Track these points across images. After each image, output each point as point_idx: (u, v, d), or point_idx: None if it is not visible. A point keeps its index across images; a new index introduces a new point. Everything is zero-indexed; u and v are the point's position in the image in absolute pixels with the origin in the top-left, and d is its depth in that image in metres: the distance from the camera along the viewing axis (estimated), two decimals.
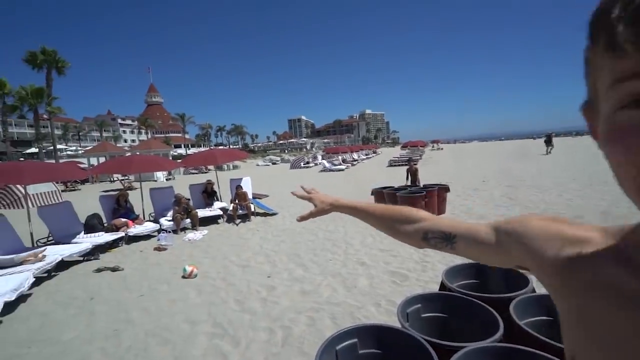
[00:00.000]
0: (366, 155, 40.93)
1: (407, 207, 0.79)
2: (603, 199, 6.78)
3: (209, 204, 8.19)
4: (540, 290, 2.06)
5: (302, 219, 0.95)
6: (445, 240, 0.66)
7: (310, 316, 3.11)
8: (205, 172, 27.81)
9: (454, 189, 8.31)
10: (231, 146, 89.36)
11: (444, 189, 6.54)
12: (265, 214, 7.99)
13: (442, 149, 49.63)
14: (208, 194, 8.39)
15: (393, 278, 3.78)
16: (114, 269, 4.76)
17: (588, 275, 0.36)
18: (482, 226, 0.59)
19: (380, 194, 6.77)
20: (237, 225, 7.16)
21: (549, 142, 23.11)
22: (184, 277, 4.26)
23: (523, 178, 10.99)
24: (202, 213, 7.47)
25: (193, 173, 29.49)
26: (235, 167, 34.03)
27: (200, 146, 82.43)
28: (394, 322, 1.81)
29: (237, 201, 7.68)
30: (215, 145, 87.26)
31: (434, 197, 6.01)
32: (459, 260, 3.08)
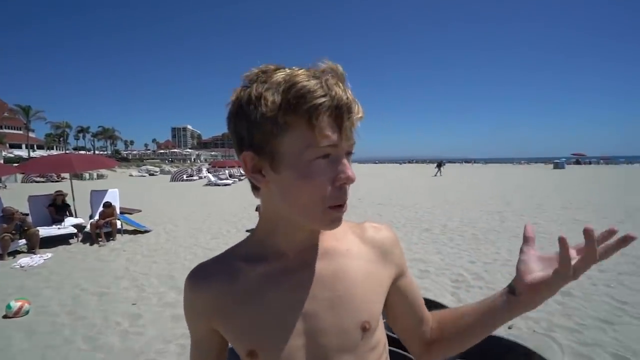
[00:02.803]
0: None
1: None
2: (444, 215, 8.46)
3: (57, 220, 6.69)
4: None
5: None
6: None
7: (181, 344, 2.84)
8: (58, 181, 22.87)
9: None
10: (97, 152, 75.89)
11: None
12: (135, 232, 7.00)
13: None
14: (57, 208, 6.87)
15: None
16: None
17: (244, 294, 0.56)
18: None
19: None
20: (98, 245, 6.05)
21: (439, 166, 29.72)
22: (6, 316, 3.31)
23: (391, 197, 12.77)
24: (46, 232, 6.05)
25: (38, 181, 23.82)
26: (100, 176, 29.02)
27: (53, 149, 67.10)
28: None
29: (100, 217, 6.51)
30: (74, 149, 72.62)
31: None
32: None
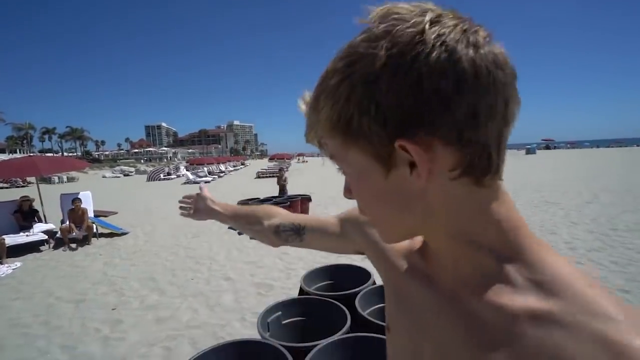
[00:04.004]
0: (234, 167, 40.05)
1: (264, 206, 0.83)
2: None
3: (25, 227, 6.34)
4: (381, 282, 2.44)
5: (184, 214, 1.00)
6: (295, 232, 0.71)
7: (166, 346, 2.78)
8: (24, 186, 21.70)
9: (315, 198, 9.00)
10: (65, 153, 72.34)
11: (306, 199, 7.00)
12: (112, 234, 6.75)
13: (306, 161, 53.12)
14: (24, 214, 6.50)
15: (259, 289, 3.77)
16: None
17: (402, 260, 0.48)
18: (330, 218, 0.68)
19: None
20: (71, 250, 5.78)
21: None
22: None
23: None
24: (12, 240, 5.73)
25: (1, 187, 22.48)
26: (71, 179, 27.69)
27: (16, 152, 63.34)
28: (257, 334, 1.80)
29: (71, 221, 6.21)
30: (40, 152, 68.86)
31: (297, 207, 6.36)
32: (319, 265, 3.33)
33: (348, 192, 0.41)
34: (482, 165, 0.33)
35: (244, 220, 0.84)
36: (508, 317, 0.31)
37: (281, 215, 0.77)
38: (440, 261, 0.40)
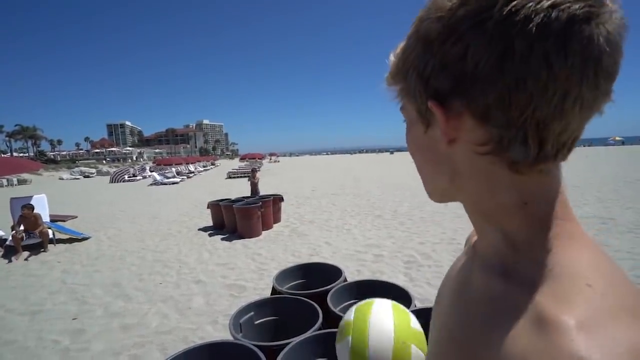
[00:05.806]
0: (204, 167, 39.01)
1: None
2: (394, 200, 8.88)
3: None
4: (352, 279, 2.50)
5: None
6: None
7: (133, 354, 2.68)
8: None
9: (288, 198, 8.99)
10: (15, 154, 66.91)
11: (278, 199, 6.96)
12: (71, 240, 6.35)
13: (278, 161, 52.76)
14: None
15: (231, 291, 3.72)
16: None
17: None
18: None
19: (217, 207, 6.58)
20: (25, 260, 5.38)
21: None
22: None
23: (344, 186, 13.06)
24: None
25: None
26: (22, 181, 25.73)
27: None
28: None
29: (22, 227, 5.78)
30: None
31: (269, 207, 6.30)
32: (291, 264, 3.35)
33: None
34: (514, 149, 0.32)
35: None
36: (493, 293, 0.34)
37: None
38: (477, 240, 0.43)
